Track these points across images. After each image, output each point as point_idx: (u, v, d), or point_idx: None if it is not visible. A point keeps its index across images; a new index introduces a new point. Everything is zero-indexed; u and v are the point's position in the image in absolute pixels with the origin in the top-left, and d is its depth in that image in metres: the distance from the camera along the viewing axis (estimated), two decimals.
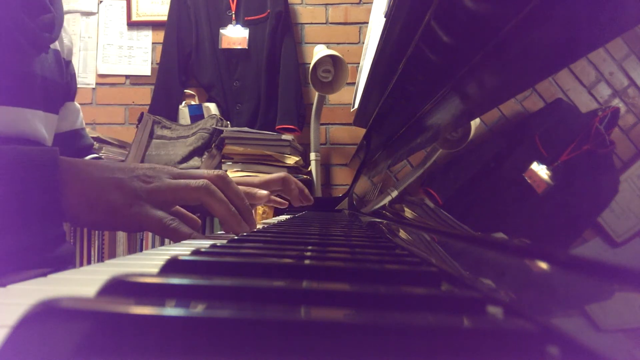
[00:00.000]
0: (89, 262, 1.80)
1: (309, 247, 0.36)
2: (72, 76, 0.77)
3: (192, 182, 0.49)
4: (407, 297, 0.17)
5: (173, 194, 0.48)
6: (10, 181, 0.41)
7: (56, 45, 0.69)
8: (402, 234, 0.49)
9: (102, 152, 1.77)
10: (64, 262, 0.67)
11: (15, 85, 0.59)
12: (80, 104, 0.83)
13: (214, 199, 0.49)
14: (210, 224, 1.78)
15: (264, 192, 0.74)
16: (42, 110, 0.63)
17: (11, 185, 0.41)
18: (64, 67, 0.71)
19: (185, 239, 0.47)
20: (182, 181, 0.49)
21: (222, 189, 0.52)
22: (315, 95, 1.93)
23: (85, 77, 2.25)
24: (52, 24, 0.63)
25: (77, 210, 0.44)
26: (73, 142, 0.80)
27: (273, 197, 0.85)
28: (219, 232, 0.63)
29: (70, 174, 0.44)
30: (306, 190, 0.91)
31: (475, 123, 0.44)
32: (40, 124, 0.62)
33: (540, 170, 0.28)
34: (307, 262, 0.25)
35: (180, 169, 0.55)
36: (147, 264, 0.31)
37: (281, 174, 0.86)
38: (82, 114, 0.83)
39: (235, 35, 2.09)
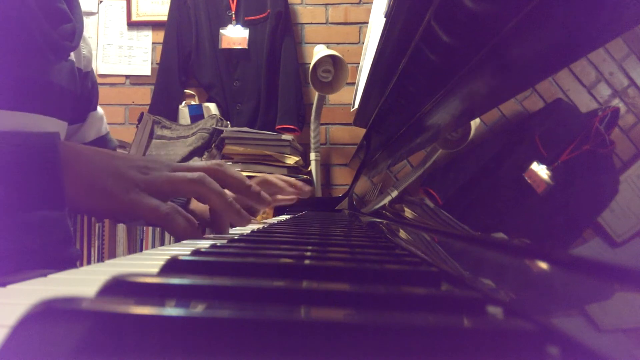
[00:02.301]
0: (89, 262, 1.80)
1: (309, 247, 0.36)
2: (94, 84, 0.79)
3: (189, 174, 0.49)
4: (407, 297, 0.17)
5: (170, 186, 0.49)
6: (11, 166, 0.41)
7: (72, 56, 0.70)
8: (402, 234, 0.49)
9: None
10: (70, 264, 0.67)
11: (34, 92, 0.60)
12: None
13: (209, 190, 0.50)
14: None
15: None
16: (56, 117, 0.65)
17: (12, 170, 0.41)
18: (79, 77, 0.73)
19: (179, 230, 0.47)
20: (180, 174, 0.49)
21: (221, 177, 0.53)
22: (315, 95, 1.93)
23: None
24: (73, 33, 0.66)
25: (75, 195, 0.44)
26: (102, 148, 0.81)
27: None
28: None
29: (70, 157, 0.44)
30: (299, 184, 0.93)
31: (475, 123, 0.44)
32: (52, 130, 0.63)
33: (540, 170, 0.28)
34: (307, 262, 0.25)
35: None
36: (147, 264, 0.31)
37: (259, 177, 0.89)
38: (105, 119, 0.84)
39: (235, 35, 2.09)
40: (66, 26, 0.64)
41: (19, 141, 0.42)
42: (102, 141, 0.83)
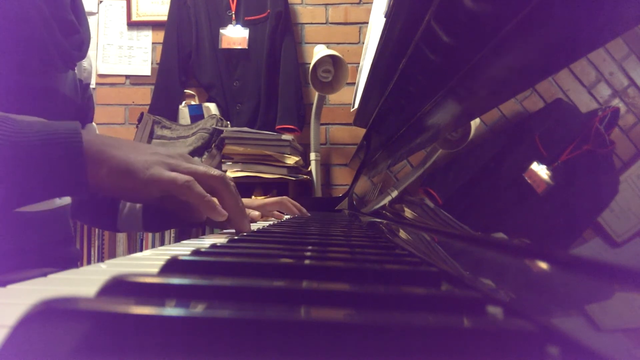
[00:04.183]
0: (89, 262, 1.80)
1: (309, 247, 0.36)
2: (90, 98, 0.80)
3: (212, 170, 0.51)
4: (407, 297, 0.17)
5: (190, 174, 0.50)
6: (35, 155, 0.42)
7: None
8: (402, 234, 0.49)
9: None
10: (70, 264, 0.67)
11: (41, 99, 0.62)
12: None
13: (228, 191, 0.52)
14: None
15: (257, 213, 0.84)
16: None
17: (36, 159, 0.42)
18: (80, 88, 0.74)
19: (199, 198, 0.49)
20: (202, 167, 0.51)
21: (221, 188, 0.53)
22: (315, 95, 1.93)
23: None
24: (82, 44, 0.68)
25: (99, 178, 0.46)
26: None
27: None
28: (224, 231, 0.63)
29: (92, 141, 0.46)
30: (303, 210, 1.04)
31: (475, 123, 0.44)
32: None
33: (540, 170, 0.28)
34: (307, 262, 0.25)
35: None
36: (147, 263, 0.31)
37: (278, 198, 0.99)
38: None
39: (235, 35, 2.09)
40: (75, 37, 0.66)
41: (41, 128, 0.44)
42: None
